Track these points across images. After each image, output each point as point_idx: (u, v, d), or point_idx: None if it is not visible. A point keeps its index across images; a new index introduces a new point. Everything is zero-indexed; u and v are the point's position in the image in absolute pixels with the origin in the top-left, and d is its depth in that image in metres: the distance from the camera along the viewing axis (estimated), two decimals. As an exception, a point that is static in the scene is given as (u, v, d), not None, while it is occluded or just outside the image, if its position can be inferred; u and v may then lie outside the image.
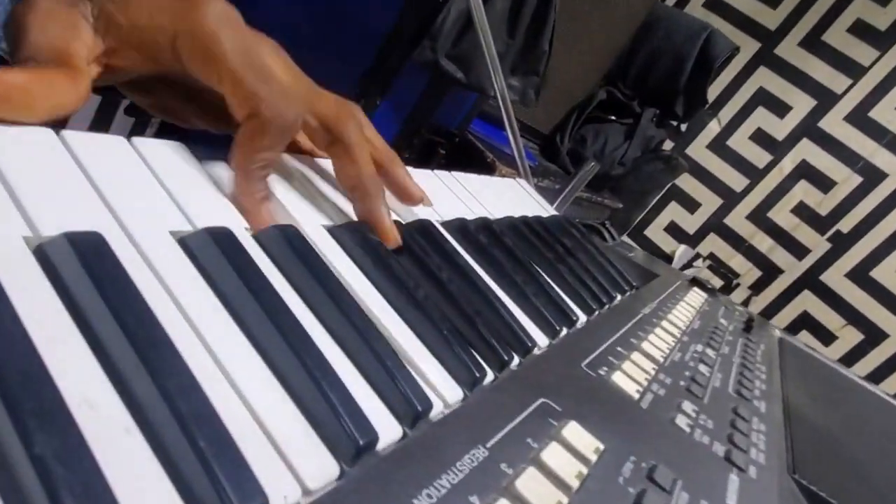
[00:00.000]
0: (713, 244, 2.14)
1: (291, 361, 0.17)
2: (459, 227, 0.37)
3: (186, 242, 0.20)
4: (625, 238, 2.24)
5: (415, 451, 0.17)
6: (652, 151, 1.71)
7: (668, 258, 2.17)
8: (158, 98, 0.30)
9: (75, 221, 0.17)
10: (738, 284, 2.10)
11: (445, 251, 0.33)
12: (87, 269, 0.15)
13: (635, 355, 0.32)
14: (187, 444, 0.13)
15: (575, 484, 0.19)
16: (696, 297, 0.57)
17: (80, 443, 0.12)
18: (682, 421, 0.27)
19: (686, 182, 2.11)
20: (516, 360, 0.27)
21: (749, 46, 1.95)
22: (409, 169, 0.42)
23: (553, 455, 0.19)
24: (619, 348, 0.32)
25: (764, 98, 1.96)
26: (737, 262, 2.10)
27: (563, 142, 1.56)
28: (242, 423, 0.15)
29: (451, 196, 0.44)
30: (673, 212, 2.18)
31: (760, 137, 2.00)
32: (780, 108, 1.96)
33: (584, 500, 0.18)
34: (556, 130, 1.62)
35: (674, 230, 2.20)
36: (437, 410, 0.21)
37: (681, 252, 2.18)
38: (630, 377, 0.29)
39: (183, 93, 0.29)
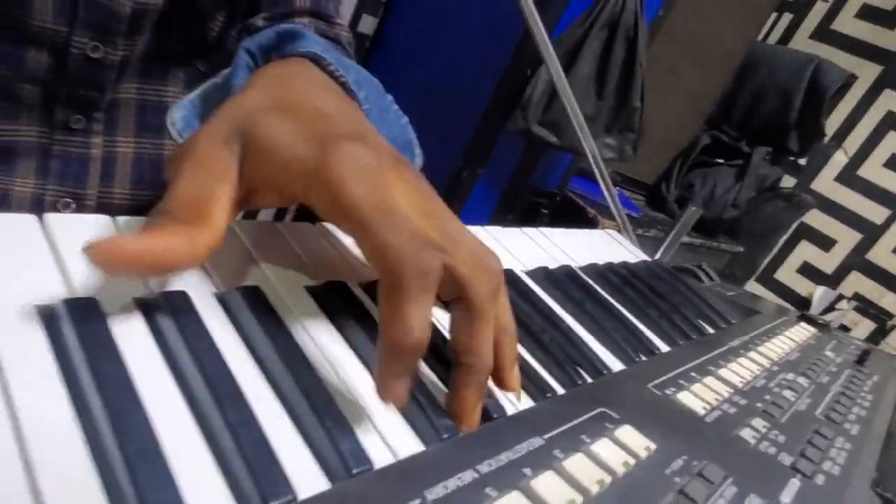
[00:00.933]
0: (857, 283, 1.96)
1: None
2: (541, 274, 0.42)
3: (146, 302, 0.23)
4: (752, 283, 2.11)
5: (483, 436, 0.22)
6: (769, 190, 1.64)
7: (805, 302, 2.01)
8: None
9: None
10: (893, 326, 1.89)
11: (526, 295, 0.38)
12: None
13: (709, 379, 0.34)
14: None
15: (621, 470, 0.22)
16: (801, 331, 0.56)
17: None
18: (747, 434, 0.29)
19: (815, 218, 1.97)
20: (588, 379, 0.31)
21: (869, 71, 1.84)
22: (498, 228, 0.49)
23: (604, 447, 0.23)
24: (693, 373, 0.35)
25: (893, 122, 1.82)
26: (889, 300, 1.90)
27: (669, 190, 1.55)
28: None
29: (536, 249, 0.49)
30: (805, 251, 2.04)
31: (896, 163, 1.85)
32: (914, 130, 1.81)
33: (627, 483, 0.22)
34: (660, 180, 1.61)
35: (808, 271, 2.05)
36: (510, 411, 0.26)
37: (820, 295, 2.01)
38: (698, 396, 0.31)
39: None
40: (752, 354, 0.43)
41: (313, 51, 0.34)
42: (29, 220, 0.24)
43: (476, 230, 0.46)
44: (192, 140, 0.25)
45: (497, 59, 1.02)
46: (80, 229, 0.24)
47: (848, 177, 1.93)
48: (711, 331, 0.49)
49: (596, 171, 0.95)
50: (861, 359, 0.52)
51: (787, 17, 1.97)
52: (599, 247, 0.60)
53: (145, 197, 0.56)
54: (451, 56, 1.16)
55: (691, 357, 0.39)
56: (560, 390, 0.29)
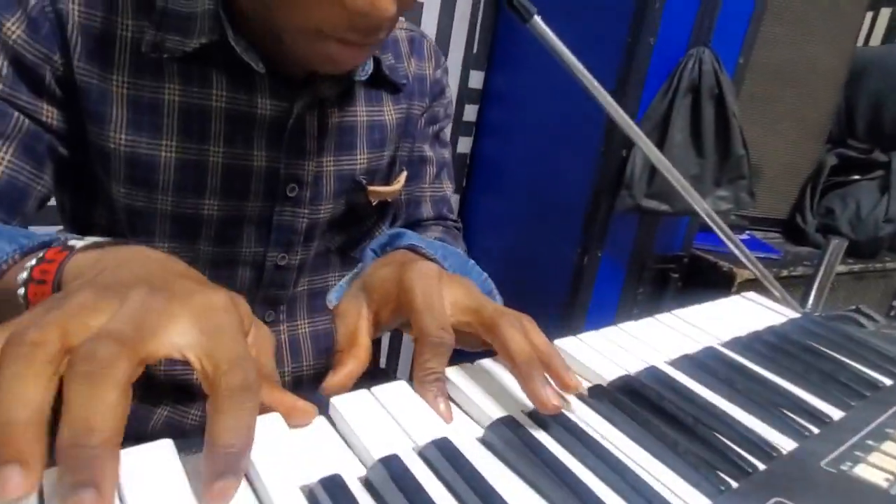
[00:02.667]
0: None
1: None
2: (684, 362, 0.44)
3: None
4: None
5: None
6: (925, 193, 1.48)
7: None
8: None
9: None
10: None
11: (673, 387, 0.40)
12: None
13: (888, 444, 0.34)
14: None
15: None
16: None
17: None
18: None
19: None
20: (759, 465, 0.32)
21: None
22: (631, 323, 0.51)
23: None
24: (870, 441, 0.34)
25: None
26: None
27: (806, 220, 1.46)
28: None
29: (673, 335, 0.51)
30: None
31: None
32: None
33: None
34: (794, 212, 1.52)
35: None
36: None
37: None
38: (878, 467, 0.31)
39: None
40: (939, 404, 0.40)
41: (411, 243, 0.51)
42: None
43: (610, 331, 0.49)
44: (340, 300, 0.45)
45: (591, 147, 1.08)
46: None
47: None
48: (888, 382, 0.46)
49: (715, 227, 0.94)
50: None
51: (885, 13, 1.86)
52: (739, 315, 0.59)
53: (326, 365, 0.67)
54: (548, 152, 1.23)
55: (866, 420, 0.38)
56: (733, 483, 0.31)
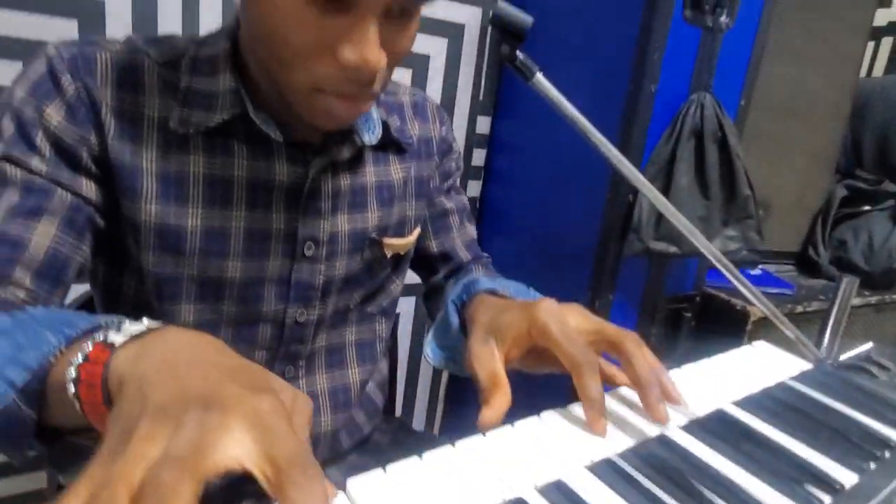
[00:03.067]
0: None
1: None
2: (694, 427, 0.44)
3: None
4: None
5: None
6: (938, 222, 1.47)
7: None
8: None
9: None
10: None
11: (683, 455, 0.40)
12: None
13: (900, 516, 0.34)
14: None
15: None
16: None
17: None
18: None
19: None
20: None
21: None
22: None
23: None
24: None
25: None
26: None
27: (819, 253, 1.45)
28: None
29: (685, 393, 0.51)
30: None
31: None
32: None
33: None
34: (806, 244, 1.52)
35: None
36: None
37: None
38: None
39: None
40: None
41: (488, 287, 0.61)
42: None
43: (623, 391, 0.49)
44: (471, 345, 0.51)
45: (598, 192, 1.09)
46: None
47: None
48: (899, 440, 0.46)
49: (724, 271, 0.94)
50: None
51: (886, 42, 1.88)
52: (752, 367, 0.59)
53: (342, 419, 0.68)
54: (555, 196, 1.25)
55: (881, 484, 0.38)
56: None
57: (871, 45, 1.87)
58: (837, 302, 0.91)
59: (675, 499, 0.35)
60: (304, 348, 0.64)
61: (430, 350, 0.65)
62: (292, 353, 0.64)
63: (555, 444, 0.41)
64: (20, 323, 0.40)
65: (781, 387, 0.54)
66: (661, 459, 0.39)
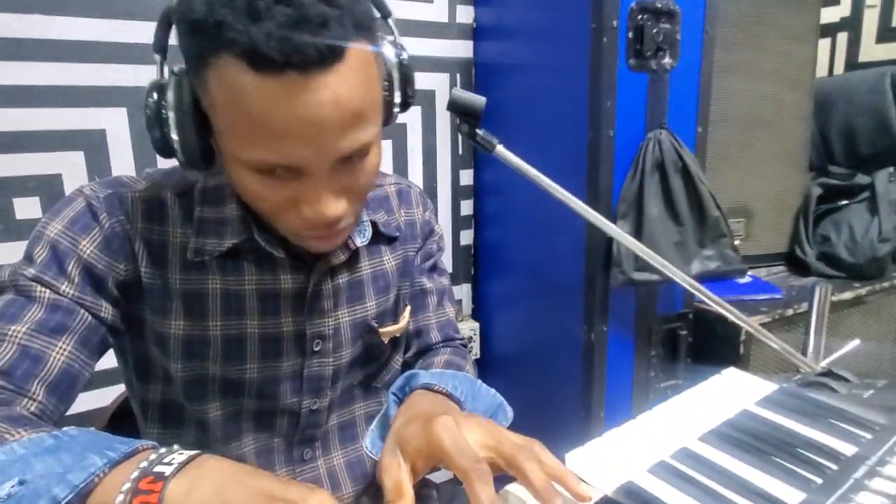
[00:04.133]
0: None
1: None
2: (660, 471, 0.50)
3: None
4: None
5: None
6: (915, 205, 1.52)
7: None
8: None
9: None
10: None
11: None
12: None
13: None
14: None
15: None
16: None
17: None
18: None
19: None
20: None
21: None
22: (612, 434, 0.57)
23: None
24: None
25: None
26: None
27: (805, 252, 1.51)
28: None
29: (655, 436, 0.57)
30: None
31: None
32: None
33: None
34: (793, 244, 1.57)
35: None
36: None
37: None
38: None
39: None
40: (878, 483, 0.46)
41: (425, 382, 0.61)
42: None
43: (598, 443, 0.55)
44: (381, 456, 0.51)
45: (578, 230, 1.16)
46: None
47: None
48: (848, 453, 0.52)
49: (702, 296, 1.00)
50: None
51: (842, 37, 1.95)
52: (720, 397, 0.65)
53: (362, 489, 0.75)
54: (541, 236, 1.32)
55: (824, 499, 0.44)
56: None
57: (827, 42, 1.94)
58: (815, 310, 0.97)
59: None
60: (318, 431, 0.72)
61: (369, 442, 0.63)
62: (308, 437, 0.71)
63: None
64: (64, 444, 0.46)
65: (744, 414, 0.60)
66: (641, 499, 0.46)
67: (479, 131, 0.71)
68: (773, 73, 1.47)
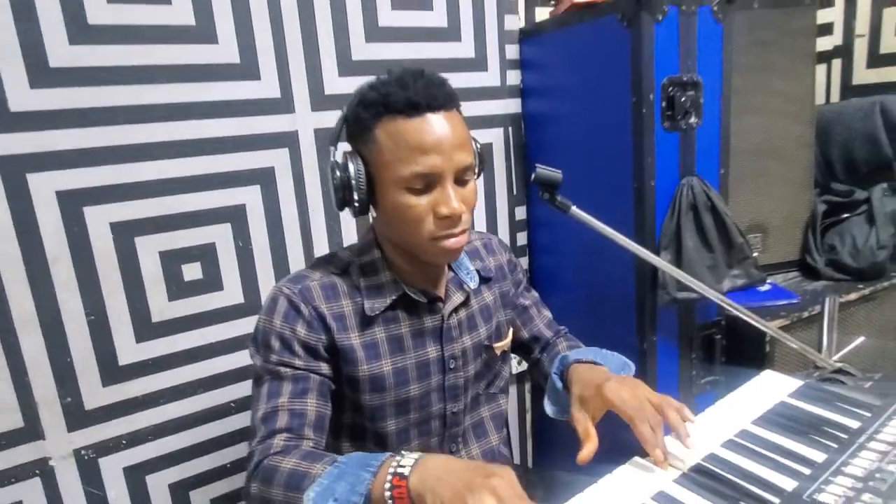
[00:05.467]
0: None
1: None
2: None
3: None
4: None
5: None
6: (908, 215, 1.77)
7: None
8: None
9: None
10: None
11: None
12: None
13: (840, 478, 0.66)
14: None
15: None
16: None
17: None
18: None
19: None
20: (772, 499, 0.65)
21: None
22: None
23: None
24: (830, 477, 0.67)
25: None
26: None
27: (815, 260, 1.75)
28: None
29: (712, 431, 0.83)
30: None
31: None
32: None
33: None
34: (804, 253, 1.82)
35: None
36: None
37: None
38: (833, 493, 0.63)
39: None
40: (874, 444, 0.72)
41: (574, 359, 0.93)
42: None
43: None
44: (572, 412, 0.85)
45: (626, 261, 1.43)
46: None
47: None
48: (854, 426, 0.78)
49: (732, 309, 1.24)
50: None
51: (837, 63, 2.19)
52: (761, 393, 0.91)
53: None
54: (594, 263, 1.58)
55: (833, 460, 0.70)
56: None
57: (824, 68, 2.19)
58: (826, 315, 1.23)
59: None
60: (459, 430, 0.99)
61: (547, 407, 0.96)
62: (453, 434, 0.98)
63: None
64: (343, 469, 0.69)
65: (781, 404, 0.86)
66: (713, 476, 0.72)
67: (558, 197, 0.96)
68: (780, 110, 1.73)
